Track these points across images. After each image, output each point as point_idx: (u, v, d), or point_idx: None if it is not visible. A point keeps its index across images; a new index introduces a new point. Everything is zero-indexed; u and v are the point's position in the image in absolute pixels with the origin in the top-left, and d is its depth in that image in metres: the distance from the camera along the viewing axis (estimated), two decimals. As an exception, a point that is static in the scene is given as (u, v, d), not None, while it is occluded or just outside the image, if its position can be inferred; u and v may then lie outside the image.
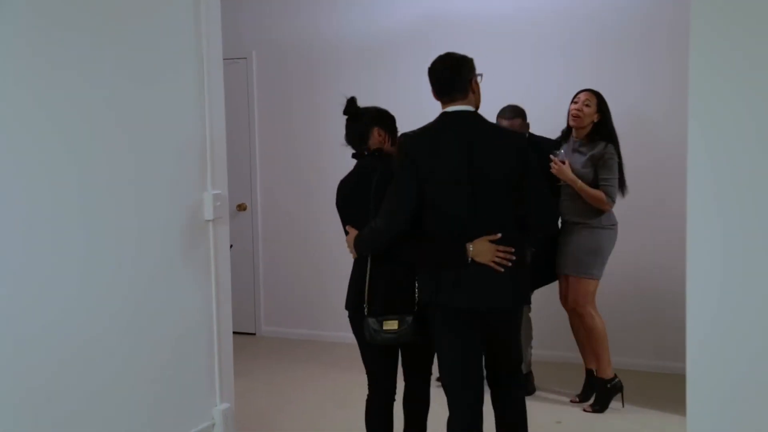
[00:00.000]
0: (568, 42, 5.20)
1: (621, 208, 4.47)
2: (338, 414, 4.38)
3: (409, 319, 3.08)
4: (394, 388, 3.30)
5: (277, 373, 5.22)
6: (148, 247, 3.20)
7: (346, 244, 3.25)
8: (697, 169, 2.60)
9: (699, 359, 2.64)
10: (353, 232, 3.13)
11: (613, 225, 4.38)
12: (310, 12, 5.92)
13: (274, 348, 5.91)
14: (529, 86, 5.10)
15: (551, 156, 4.27)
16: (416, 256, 3.04)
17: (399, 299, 3.10)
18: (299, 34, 5.96)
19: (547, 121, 4.67)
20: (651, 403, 4.47)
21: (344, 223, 3.25)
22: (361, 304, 3.15)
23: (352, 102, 3.28)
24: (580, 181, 4.24)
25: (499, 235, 2.90)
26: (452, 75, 3.01)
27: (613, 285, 4.80)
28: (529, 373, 4.71)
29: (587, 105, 4.34)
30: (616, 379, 4.41)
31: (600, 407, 4.38)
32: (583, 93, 4.38)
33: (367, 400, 3.36)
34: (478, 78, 3.07)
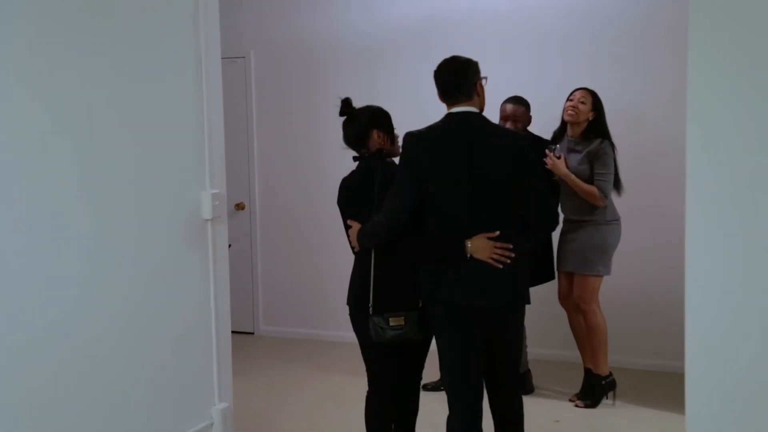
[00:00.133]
0: (566, 40, 5.20)
1: (619, 208, 4.48)
2: (337, 413, 4.38)
3: (414, 315, 3.12)
4: (394, 383, 3.31)
5: (276, 373, 5.22)
6: (147, 247, 3.20)
7: (345, 243, 3.29)
8: (696, 169, 2.60)
9: (698, 358, 2.65)
10: (356, 226, 3.16)
11: (617, 220, 4.40)
12: (309, 11, 5.92)
13: (272, 347, 5.91)
14: (526, 84, 5.09)
15: (546, 150, 4.28)
16: (416, 252, 3.08)
17: (403, 296, 3.14)
18: (298, 33, 5.96)
19: (543, 119, 4.67)
20: (650, 401, 4.48)
21: (344, 219, 3.27)
22: (363, 301, 3.17)
23: (347, 103, 3.29)
24: (572, 176, 4.26)
25: (497, 232, 2.94)
26: (457, 78, 3.05)
27: (611, 284, 4.80)
28: (527, 372, 4.72)
29: (582, 102, 4.36)
30: (611, 377, 4.45)
31: (592, 402, 4.42)
32: (579, 91, 4.41)
33: (367, 397, 3.37)
34: (483, 81, 3.12)
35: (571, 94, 4.45)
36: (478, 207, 2.96)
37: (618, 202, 4.44)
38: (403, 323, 3.10)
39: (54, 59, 2.76)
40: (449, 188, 2.97)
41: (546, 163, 4.26)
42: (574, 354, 4.97)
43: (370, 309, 3.13)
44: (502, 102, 4.52)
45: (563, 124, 4.50)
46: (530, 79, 5.18)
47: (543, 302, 4.67)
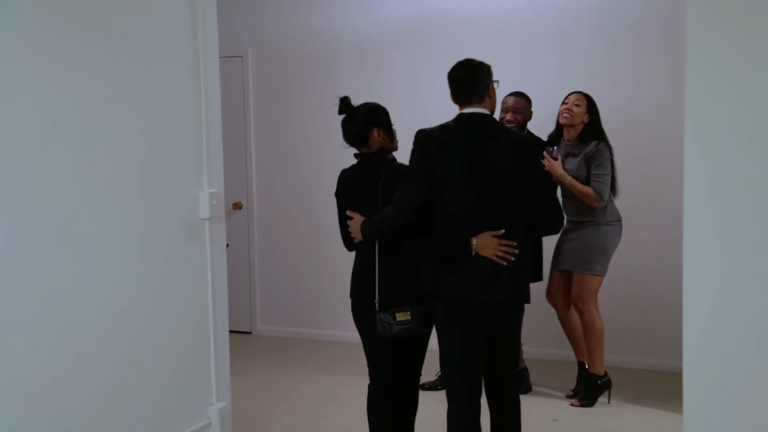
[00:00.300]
0: (563, 40, 5.20)
1: (621, 208, 4.50)
2: (336, 413, 4.37)
3: (420, 309, 3.17)
4: (396, 379, 3.34)
5: (274, 372, 5.22)
6: (145, 246, 3.19)
7: (341, 241, 3.34)
8: (694, 168, 2.60)
9: (695, 357, 2.64)
10: (358, 217, 3.21)
11: (618, 221, 4.43)
12: (307, 10, 5.91)
13: (270, 347, 5.91)
14: (523, 84, 5.09)
15: (544, 152, 4.29)
16: (422, 249, 3.14)
17: (408, 291, 3.19)
18: (296, 32, 5.95)
19: (539, 118, 4.66)
20: (647, 401, 4.48)
21: (342, 210, 3.31)
22: (363, 295, 3.22)
23: (346, 102, 3.31)
24: (569, 177, 4.29)
25: (503, 231, 3.00)
26: (471, 80, 3.12)
27: (609, 283, 4.80)
28: (524, 370, 4.72)
29: (577, 105, 4.39)
30: (606, 377, 4.47)
31: (588, 402, 4.44)
32: (573, 95, 4.45)
33: (368, 391, 3.40)
34: (495, 84, 3.18)
35: (565, 97, 4.48)
36: (484, 206, 3.03)
37: (616, 202, 4.45)
38: (409, 318, 3.15)
39: (52, 59, 2.76)
40: (458, 186, 3.03)
41: (544, 165, 4.27)
42: (570, 353, 4.97)
43: (376, 305, 3.17)
44: (504, 96, 4.53)
45: (559, 128, 4.53)
46: (527, 78, 5.17)
47: (538, 301, 4.67)
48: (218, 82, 3.58)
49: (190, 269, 3.45)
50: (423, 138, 3.10)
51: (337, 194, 3.37)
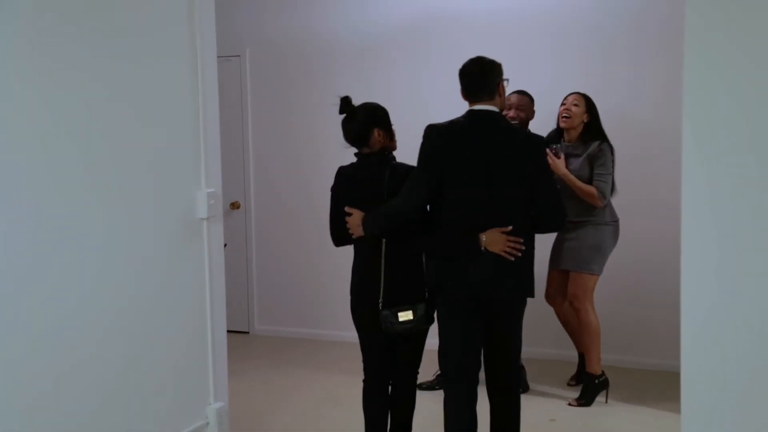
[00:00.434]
0: (562, 39, 5.20)
1: (618, 207, 4.52)
2: (334, 413, 4.37)
3: (422, 307, 3.23)
4: (390, 372, 3.39)
5: (271, 372, 5.21)
6: (142, 246, 3.18)
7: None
8: (692, 168, 2.60)
9: (693, 357, 2.65)
10: (357, 213, 3.23)
11: (616, 221, 4.46)
12: (305, 9, 5.91)
13: (267, 346, 5.90)
14: (521, 84, 5.09)
15: (548, 149, 4.29)
16: (429, 244, 3.20)
17: (410, 289, 3.25)
18: (294, 32, 5.95)
19: (538, 117, 4.66)
20: (645, 400, 4.48)
21: (337, 205, 3.35)
22: (368, 293, 3.25)
23: (346, 101, 3.33)
24: (571, 176, 4.30)
25: (510, 227, 3.07)
26: (482, 77, 3.18)
27: (607, 283, 4.81)
28: (521, 369, 4.72)
29: (576, 105, 4.42)
30: (604, 376, 4.48)
31: (586, 401, 4.44)
32: (571, 95, 4.48)
33: (364, 386, 3.44)
34: (505, 83, 3.24)
35: (564, 98, 4.50)
36: (492, 202, 3.08)
37: (613, 201, 4.45)
38: (411, 316, 3.20)
39: (51, 58, 2.75)
40: (466, 182, 3.08)
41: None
42: (567, 353, 4.98)
43: (380, 304, 3.21)
44: (507, 94, 4.54)
45: (558, 129, 4.55)
46: (526, 78, 5.16)
47: (535, 301, 4.68)
48: (216, 81, 3.57)
49: (188, 269, 3.45)
50: (432, 133, 3.15)
51: (334, 189, 3.40)
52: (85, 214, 2.91)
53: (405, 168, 3.29)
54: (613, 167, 4.37)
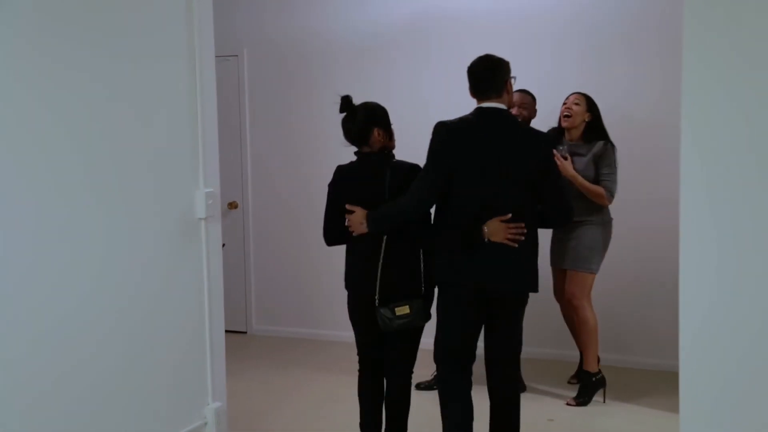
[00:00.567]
0: (559, 39, 5.21)
1: (613, 206, 4.52)
2: (332, 413, 4.37)
3: (419, 302, 3.26)
4: (377, 358, 3.44)
5: (270, 372, 5.21)
6: (140, 246, 3.18)
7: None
8: (690, 167, 2.60)
9: (692, 356, 2.65)
10: (360, 210, 3.26)
11: (611, 220, 4.51)
12: (303, 8, 5.90)
13: (265, 346, 5.90)
14: (520, 83, 5.11)
15: (555, 152, 4.31)
16: (434, 240, 3.25)
17: (407, 285, 3.28)
18: (292, 31, 5.94)
19: (538, 117, 4.67)
20: (644, 400, 4.49)
21: (334, 202, 3.37)
22: (364, 289, 3.29)
23: (347, 101, 3.35)
24: (580, 177, 4.34)
25: (509, 215, 3.11)
26: (491, 75, 3.21)
27: (605, 283, 4.82)
28: (518, 369, 4.74)
29: (576, 104, 4.46)
30: (601, 374, 4.49)
31: (584, 400, 4.45)
32: (572, 95, 4.51)
33: (359, 374, 3.52)
34: (512, 80, 3.28)
35: (565, 98, 4.53)
36: (499, 199, 3.13)
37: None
38: (408, 311, 3.23)
39: (50, 58, 2.75)
40: (474, 179, 3.13)
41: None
42: (565, 352, 5.00)
43: (376, 300, 3.24)
44: None
45: (560, 128, 4.57)
46: (525, 77, 5.15)
47: (534, 301, 4.68)
48: (214, 81, 3.56)
49: (186, 269, 3.45)
50: (442, 130, 3.18)
51: (332, 186, 3.42)
52: (83, 213, 2.91)
53: (406, 166, 3.32)
54: (616, 166, 4.42)
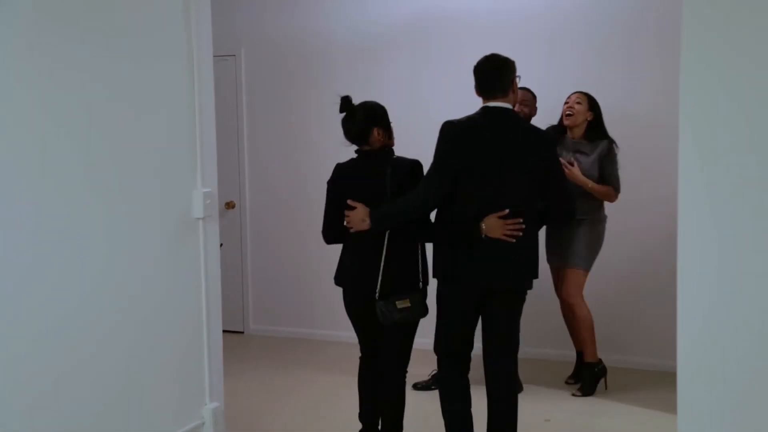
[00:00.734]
0: (557, 39, 5.21)
1: (612, 205, 4.58)
2: (329, 413, 4.36)
3: (417, 296, 3.32)
4: (375, 346, 3.48)
5: (267, 372, 5.20)
6: (138, 246, 3.18)
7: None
8: (689, 166, 2.61)
9: (689, 357, 2.65)
10: (362, 207, 3.29)
11: (605, 218, 4.60)
12: (302, 8, 5.89)
13: (262, 346, 5.89)
14: (520, 82, 5.12)
15: (561, 160, 4.35)
16: (432, 235, 3.31)
17: (406, 279, 3.34)
18: (290, 31, 5.94)
19: (537, 115, 4.69)
20: (641, 400, 4.49)
21: (335, 199, 3.40)
22: (365, 285, 3.31)
23: (347, 101, 3.38)
24: (590, 182, 4.42)
25: (507, 211, 3.15)
26: (497, 74, 3.25)
27: (603, 283, 4.82)
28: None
29: (579, 103, 4.52)
30: (602, 364, 4.60)
31: (589, 390, 4.56)
32: (574, 94, 4.57)
33: (360, 361, 3.59)
34: (517, 79, 3.31)
35: (567, 98, 4.57)
36: (502, 197, 3.17)
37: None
38: (409, 305, 3.28)
39: (48, 58, 2.74)
40: (479, 177, 3.17)
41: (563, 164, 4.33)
42: (562, 352, 5.00)
43: (377, 294, 3.28)
44: None
45: (561, 126, 4.61)
46: (523, 77, 5.16)
47: (530, 301, 4.69)
48: (212, 81, 3.56)
49: (184, 269, 3.44)
50: (449, 128, 3.22)
51: (331, 183, 3.45)
52: (81, 213, 2.90)
53: (406, 162, 3.36)
54: (617, 163, 4.52)
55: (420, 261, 3.38)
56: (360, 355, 3.59)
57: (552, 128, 4.62)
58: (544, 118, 4.66)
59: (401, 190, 3.27)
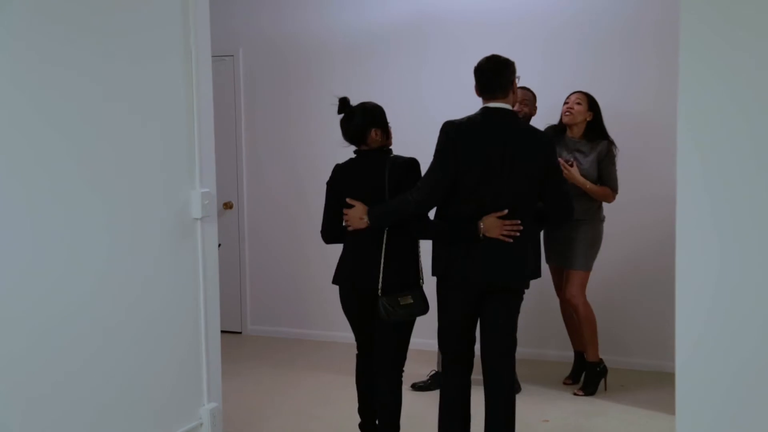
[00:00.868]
0: (554, 39, 5.21)
1: (611, 205, 4.59)
2: (327, 414, 4.36)
3: (418, 292, 3.36)
4: (373, 343, 3.50)
5: (265, 373, 5.20)
6: (136, 246, 3.17)
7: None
8: (687, 166, 2.60)
9: (688, 358, 2.65)
10: (360, 205, 3.33)
11: (604, 219, 4.62)
12: (300, 8, 5.88)
13: (260, 347, 5.89)
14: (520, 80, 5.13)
15: (560, 159, 4.36)
16: (431, 232, 3.34)
17: (407, 276, 3.37)
18: (288, 31, 5.93)
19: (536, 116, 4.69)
20: (639, 401, 4.49)
21: (333, 199, 3.44)
22: (365, 282, 3.33)
23: (345, 102, 3.41)
24: (588, 183, 4.44)
25: (506, 211, 3.19)
26: (498, 75, 3.28)
27: (601, 283, 4.82)
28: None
29: (578, 103, 4.54)
30: (603, 364, 4.63)
31: (590, 390, 4.58)
32: (574, 94, 4.58)
33: (357, 357, 3.61)
34: (516, 80, 3.35)
35: (567, 97, 4.59)
36: (501, 196, 3.20)
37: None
38: (411, 301, 3.31)
39: (45, 57, 2.73)
40: (478, 176, 3.20)
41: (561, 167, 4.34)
42: (560, 353, 4.99)
43: (379, 291, 3.30)
44: None
45: (560, 125, 4.63)
46: (522, 77, 5.18)
47: (530, 301, 4.69)
48: (210, 81, 3.55)
49: (182, 269, 3.44)
50: (450, 128, 3.25)
51: (330, 184, 3.48)
52: (80, 214, 2.90)
53: (403, 160, 3.39)
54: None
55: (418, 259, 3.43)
56: (356, 352, 3.61)
57: (551, 128, 4.63)
58: (543, 118, 4.66)
59: (399, 187, 3.30)
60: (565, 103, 4.58)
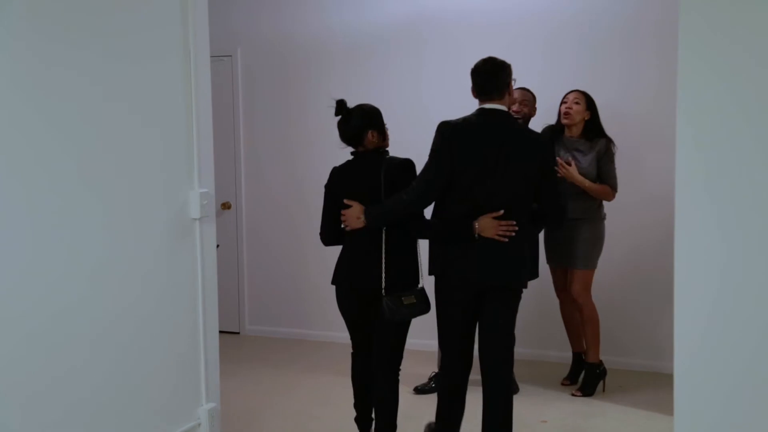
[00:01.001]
0: (553, 39, 5.21)
1: (610, 205, 4.59)
2: (325, 414, 4.36)
3: (420, 291, 3.38)
4: (370, 342, 3.51)
5: (263, 373, 5.19)
6: (135, 246, 3.17)
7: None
8: (686, 164, 2.61)
9: (687, 358, 2.65)
10: (357, 205, 3.35)
11: (605, 217, 4.63)
12: (298, 8, 5.89)
13: (258, 347, 5.89)
14: (517, 80, 5.12)
15: (559, 159, 4.38)
16: (427, 232, 3.37)
17: (407, 276, 3.39)
18: (286, 31, 5.93)
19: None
20: (638, 402, 4.49)
21: (331, 201, 3.46)
22: (367, 282, 3.35)
23: (342, 104, 3.43)
24: (587, 182, 4.44)
25: (502, 211, 3.22)
26: (493, 78, 3.31)
27: (601, 284, 4.82)
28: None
29: (577, 103, 4.54)
30: (603, 366, 4.63)
31: (589, 391, 4.58)
32: (572, 93, 4.58)
33: (352, 355, 3.63)
34: (513, 82, 3.38)
35: (564, 96, 4.59)
36: (497, 197, 3.23)
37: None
38: (414, 300, 3.34)
39: (44, 58, 2.73)
40: (473, 177, 3.22)
41: (558, 172, 4.32)
42: (559, 354, 4.99)
43: (383, 291, 3.32)
44: None
45: (559, 125, 4.62)
46: (520, 77, 5.16)
47: (530, 301, 4.69)
48: (209, 81, 3.55)
49: (181, 269, 3.43)
50: (445, 128, 3.28)
51: (328, 187, 3.51)
52: (78, 214, 2.89)
53: (399, 161, 3.41)
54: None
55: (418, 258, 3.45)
56: (351, 351, 3.63)
57: (550, 127, 4.64)
58: (541, 118, 4.66)
59: (394, 188, 3.32)
60: (563, 102, 4.57)
